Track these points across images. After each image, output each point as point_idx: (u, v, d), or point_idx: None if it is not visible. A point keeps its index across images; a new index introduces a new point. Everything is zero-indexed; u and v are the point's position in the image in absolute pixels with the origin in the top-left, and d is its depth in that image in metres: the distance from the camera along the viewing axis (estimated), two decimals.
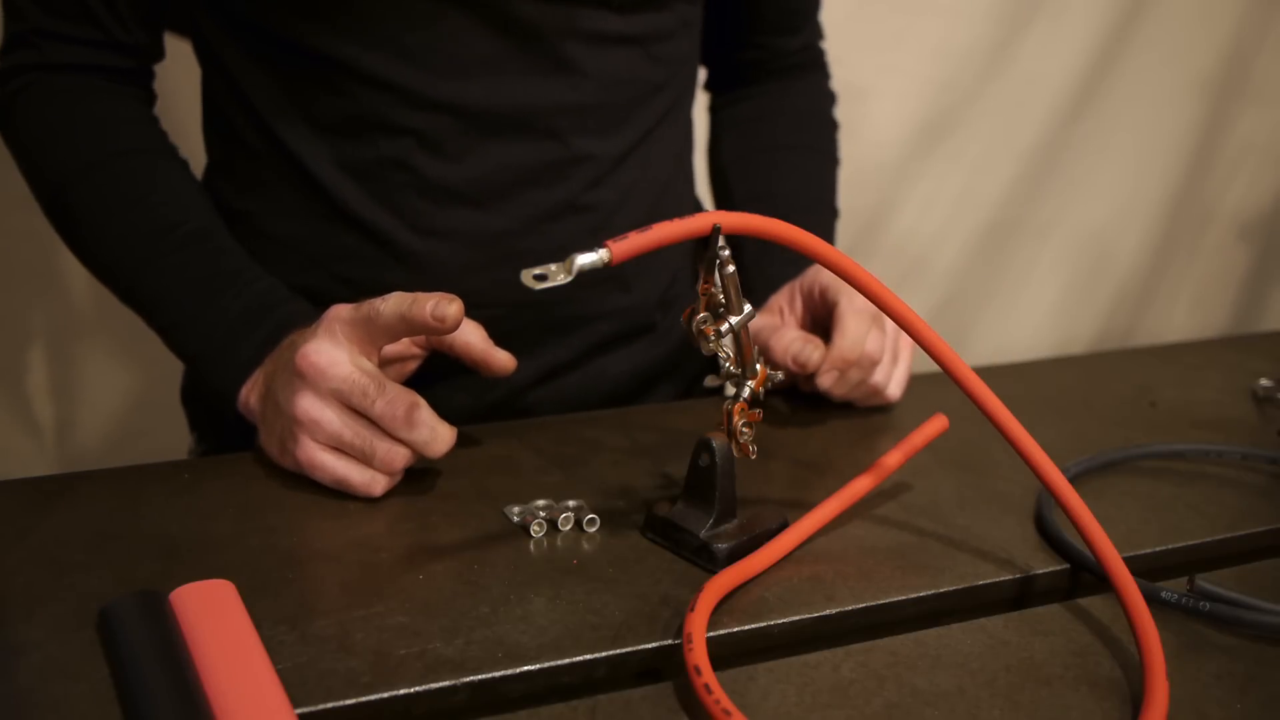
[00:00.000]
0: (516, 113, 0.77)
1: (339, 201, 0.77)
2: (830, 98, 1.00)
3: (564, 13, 0.75)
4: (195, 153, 0.84)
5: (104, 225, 0.74)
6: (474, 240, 0.78)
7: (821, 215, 0.93)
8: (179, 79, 0.87)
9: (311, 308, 0.71)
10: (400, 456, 0.63)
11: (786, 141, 0.96)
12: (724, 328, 0.56)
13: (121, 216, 0.74)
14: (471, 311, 0.78)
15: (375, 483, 0.64)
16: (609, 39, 0.78)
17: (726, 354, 0.59)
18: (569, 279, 0.48)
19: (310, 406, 0.63)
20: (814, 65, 1.00)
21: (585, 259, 0.48)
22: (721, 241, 0.53)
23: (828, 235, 0.93)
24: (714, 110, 1.01)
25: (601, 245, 0.49)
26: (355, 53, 0.73)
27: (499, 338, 0.70)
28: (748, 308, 0.57)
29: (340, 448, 0.63)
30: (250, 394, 0.70)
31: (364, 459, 0.63)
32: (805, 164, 0.95)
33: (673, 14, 0.82)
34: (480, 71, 0.75)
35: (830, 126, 0.98)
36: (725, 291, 0.56)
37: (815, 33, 0.99)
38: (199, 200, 0.77)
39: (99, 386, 1.29)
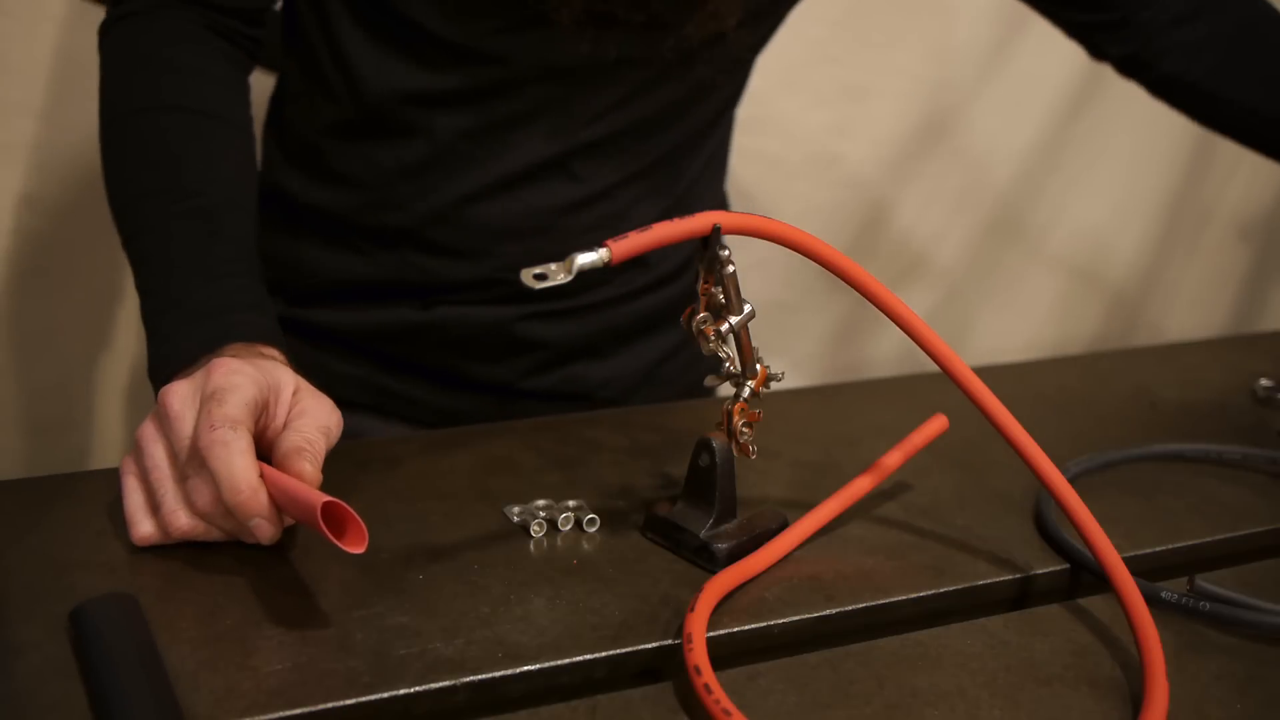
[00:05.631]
0: (589, 113, 0.80)
1: (406, 160, 0.80)
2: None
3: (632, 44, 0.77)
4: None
5: (129, 171, 0.73)
6: (519, 214, 0.82)
7: None
8: None
9: (262, 322, 0.67)
10: (197, 489, 0.56)
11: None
12: (724, 328, 0.56)
13: (147, 169, 0.72)
14: (498, 270, 0.82)
15: (141, 528, 0.58)
16: (686, 59, 0.80)
17: (727, 354, 0.59)
18: (569, 278, 0.48)
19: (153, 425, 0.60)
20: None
21: (585, 258, 0.49)
22: (722, 241, 0.53)
23: None
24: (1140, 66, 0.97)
25: (601, 245, 0.49)
26: (455, 35, 0.75)
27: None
28: (748, 307, 0.57)
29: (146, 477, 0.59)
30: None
31: (153, 501, 0.58)
32: None
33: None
34: (570, 75, 0.78)
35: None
36: (725, 291, 0.56)
37: None
38: (231, 175, 0.74)
39: (99, 386, 1.29)
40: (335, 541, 0.52)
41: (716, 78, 0.84)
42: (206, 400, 0.57)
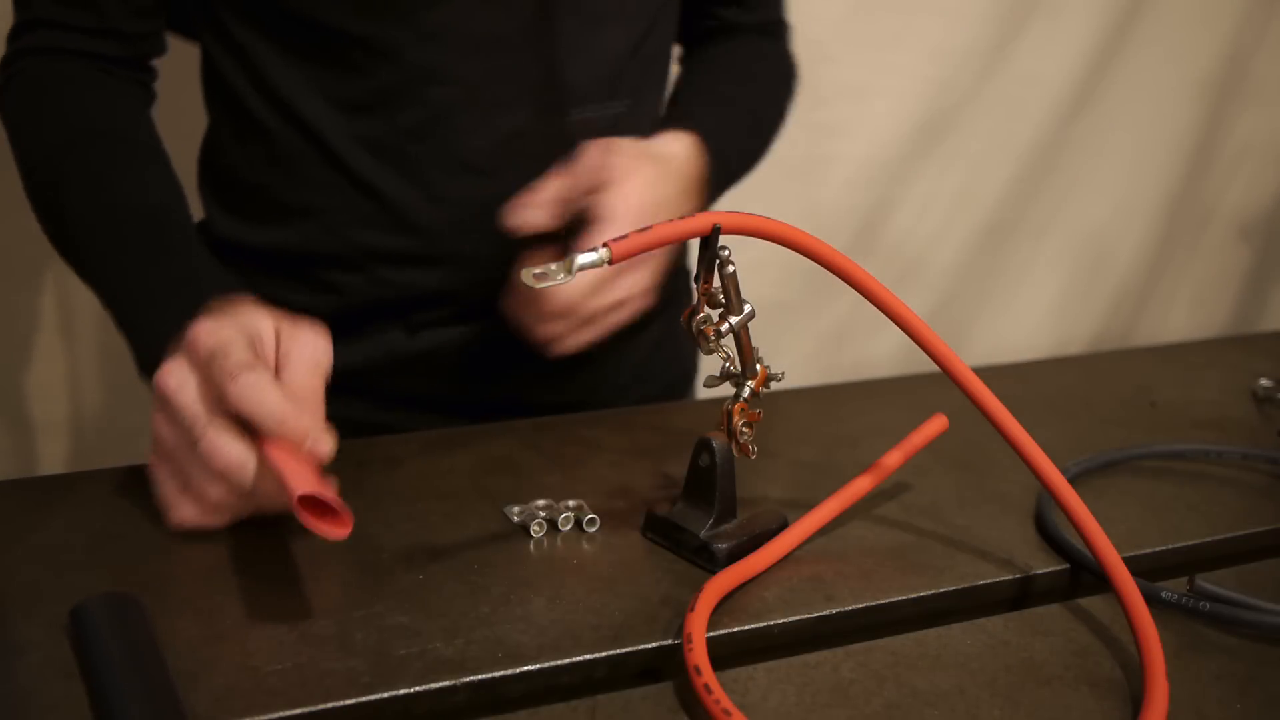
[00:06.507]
0: (524, 86, 0.79)
1: (355, 173, 0.79)
2: (778, 57, 0.98)
3: None
4: (189, 122, 0.85)
5: (61, 208, 0.75)
6: (480, 206, 0.80)
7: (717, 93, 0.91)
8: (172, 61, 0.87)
9: (228, 281, 0.70)
10: (225, 447, 0.57)
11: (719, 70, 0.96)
12: (724, 328, 0.56)
13: (78, 200, 0.74)
14: (472, 272, 0.80)
15: (179, 511, 0.59)
16: (606, 17, 0.81)
17: (727, 354, 0.59)
18: (569, 278, 0.48)
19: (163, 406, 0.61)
20: (770, 34, 0.99)
21: (585, 258, 0.49)
22: (722, 241, 0.53)
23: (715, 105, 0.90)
24: None
25: (602, 245, 0.49)
26: (374, 30, 0.75)
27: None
28: (748, 307, 0.57)
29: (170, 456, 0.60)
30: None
31: (186, 445, 0.59)
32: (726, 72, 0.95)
33: None
34: (492, 47, 0.77)
35: (763, 62, 0.97)
36: (725, 291, 0.56)
37: (774, 8, 0.99)
38: (159, 181, 0.76)
39: (99, 386, 1.29)
40: (317, 527, 0.52)
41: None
42: (208, 363, 0.57)
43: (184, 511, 0.59)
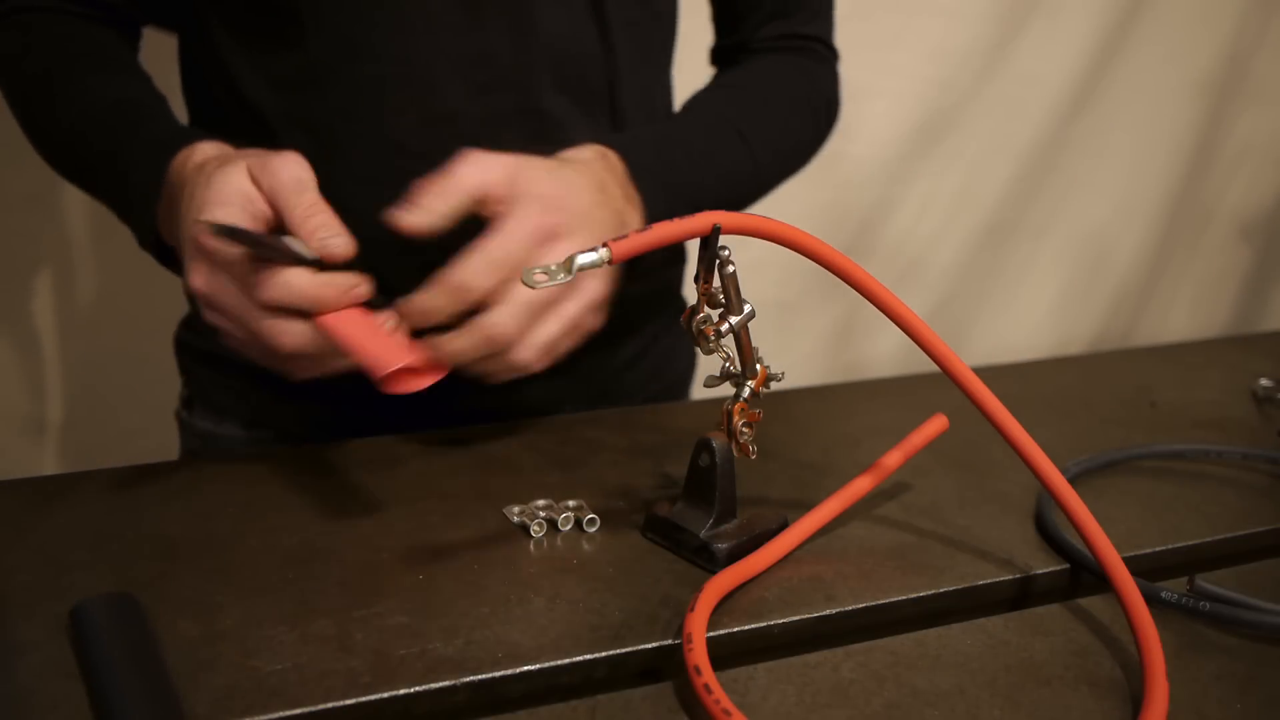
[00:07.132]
0: (456, 66, 0.77)
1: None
2: (807, 74, 0.93)
3: None
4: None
5: (59, 117, 0.77)
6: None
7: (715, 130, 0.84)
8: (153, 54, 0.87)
9: (191, 132, 0.73)
10: (283, 334, 0.62)
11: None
12: (724, 328, 0.56)
13: (69, 105, 0.77)
14: (408, 258, 0.72)
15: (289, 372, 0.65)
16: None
17: (727, 354, 0.59)
18: (569, 278, 0.48)
19: (202, 281, 0.64)
20: (802, 51, 0.94)
21: (585, 258, 0.49)
22: (722, 241, 0.53)
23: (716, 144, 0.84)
24: None
25: (602, 245, 0.49)
26: (302, 2, 0.75)
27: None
28: (748, 307, 0.57)
29: (230, 318, 0.64)
30: (163, 221, 0.71)
31: (250, 338, 0.64)
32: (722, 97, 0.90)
33: None
34: (422, 25, 0.76)
35: (782, 82, 0.91)
36: (725, 291, 0.56)
37: (800, 22, 0.93)
38: (135, 84, 0.79)
39: (99, 386, 1.29)
40: (407, 387, 0.59)
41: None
42: (228, 265, 0.62)
43: (295, 374, 0.64)
